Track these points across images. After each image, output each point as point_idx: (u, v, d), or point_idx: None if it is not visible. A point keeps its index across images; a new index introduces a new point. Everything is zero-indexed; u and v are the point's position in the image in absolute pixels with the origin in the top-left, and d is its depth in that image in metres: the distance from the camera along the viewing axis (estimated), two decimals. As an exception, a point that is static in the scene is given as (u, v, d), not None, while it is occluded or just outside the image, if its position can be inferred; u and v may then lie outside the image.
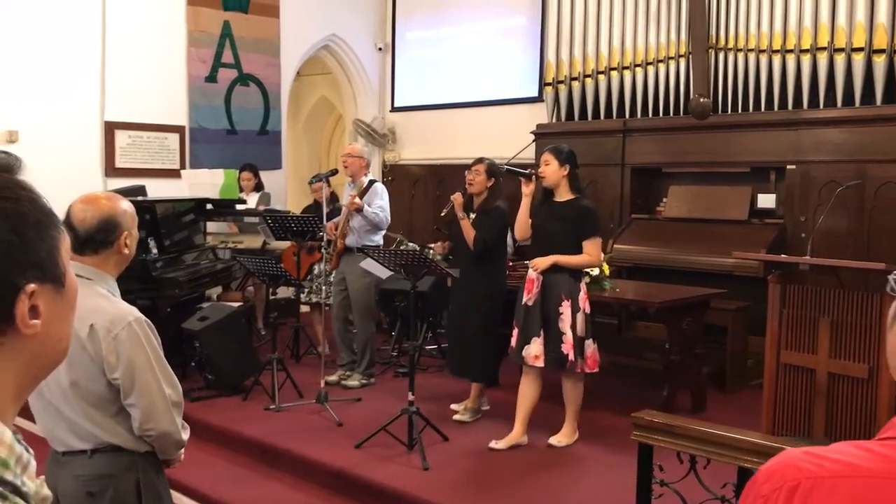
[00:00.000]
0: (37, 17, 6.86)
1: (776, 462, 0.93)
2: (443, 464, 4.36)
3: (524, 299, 4.57)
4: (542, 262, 4.48)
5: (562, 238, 4.48)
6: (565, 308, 4.45)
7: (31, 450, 0.82)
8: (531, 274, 4.56)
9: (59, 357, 0.89)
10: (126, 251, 2.26)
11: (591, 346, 4.54)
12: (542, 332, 4.49)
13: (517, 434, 4.66)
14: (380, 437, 4.59)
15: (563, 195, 4.56)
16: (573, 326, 4.45)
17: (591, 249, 4.49)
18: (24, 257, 0.81)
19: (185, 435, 2.33)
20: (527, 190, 4.61)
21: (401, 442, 4.55)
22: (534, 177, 4.60)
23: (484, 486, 4.13)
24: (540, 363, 4.51)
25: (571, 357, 4.45)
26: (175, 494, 4.22)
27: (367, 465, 4.36)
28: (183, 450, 2.38)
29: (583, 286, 4.57)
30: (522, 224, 4.68)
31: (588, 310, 4.55)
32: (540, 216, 4.63)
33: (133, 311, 2.22)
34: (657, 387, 5.25)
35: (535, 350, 4.50)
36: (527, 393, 4.65)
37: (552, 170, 4.52)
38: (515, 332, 4.63)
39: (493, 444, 4.61)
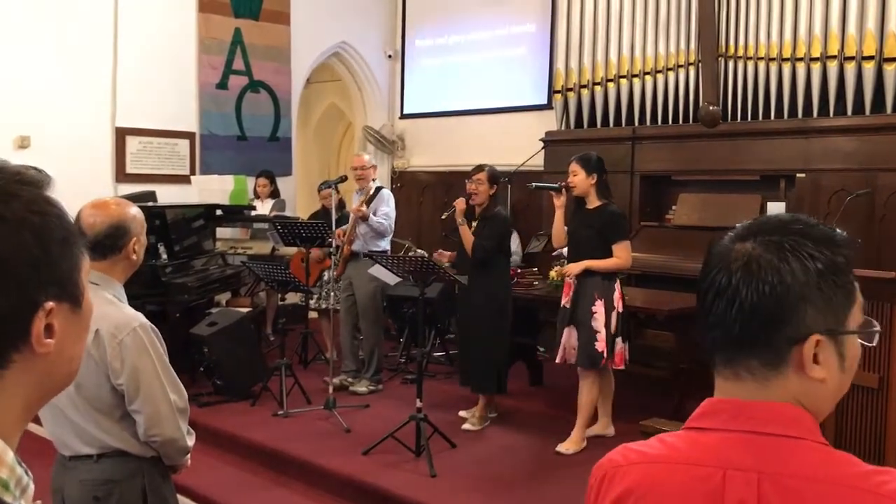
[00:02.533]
0: (48, 24, 6.91)
1: (604, 457, 1.10)
2: (450, 471, 4.35)
3: (563, 302, 4.76)
4: (574, 267, 4.66)
5: (591, 244, 4.64)
6: (598, 307, 4.58)
7: (30, 473, 0.81)
8: (567, 279, 4.75)
9: (69, 379, 0.88)
10: (134, 257, 2.26)
11: (619, 345, 4.67)
12: (575, 331, 4.64)
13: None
14: (387, 443, 4.59)
15: (593, 202, 4.71)
16: (607, 325, 4.58)
17: (621, 253, 4.63)
18: (47, 273, 0.80)
19: (191, 441, 2.33)
20: (558, 202, 4.80)
21: (408, 449, 4.55)
22: (563, 189, 4.76)
23: (491, 494, 4.12)
24: (572, 359, 4.68)
25: (606, 354, 4.57)
26: (183, 500, 4.23)
27: (375, 471, 4.36)
28: (189, 456, 2.38)
29: (617, 286, 4.70)
30: (559, 233, 4.87)
31: (621, 309, 4.68)
32: (573, 224, 4.79)
33: (139, 317, 2.23)
34: (666, 395, 5.24)
35: (571, 344, 4.70)
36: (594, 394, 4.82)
37: (580, 179, 4.66)
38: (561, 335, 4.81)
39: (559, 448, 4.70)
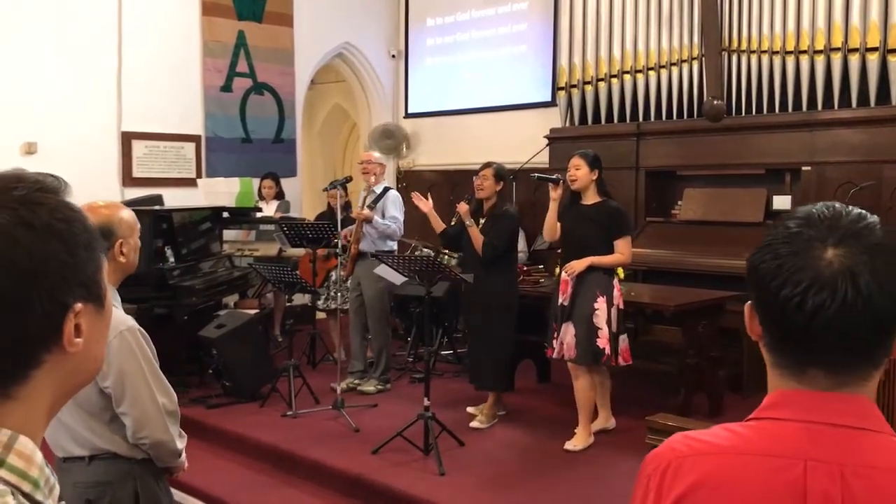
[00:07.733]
0: (54, 29, 6.94)
1: (661, 445, 1.06)
2: (459, 469, 4.36)
3: (560, 300, 4.71)
4: (579, 264, 4.62)
5: (592, 239, 4.64)
6: (601, 304, 4.58)
7: (55, 474, 0.84)
8: (564, 276, 4.69)
9: (91, 377, 0.91)
10: (122, 259, 2.24)
11: (624, 341, 4.69)
12: (575, 328, 4.62)
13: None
14: (396, 442, 4.60)
15: (591, 198, 4.71)
16: (608, 321, 4.57)
17: (624, 248, 4.65)
18: (74, 276, 0.83)
19: (181, 444, 2.33)
20: (555, 195, 4.79)
21: (417, 447, 4.57)
22: (561, 181, 4.76)
23: (500, 492, 4.13)
24: (572, 354, 4.64)
25: (608, 351, 4.57)
26: (192, 500, 4.27)
27: (384, 470, 4.38)
28: (185, 458, 2.38)
29: (616, 282, 4.70)
30: (551, 226, 4.86)
31: (622, 305, 4.68)
32: (569, 219, 4.77)
33: (127, 321, 2.23)
34: (673, 391, 5.23)
35: (568, 341, 4.66)
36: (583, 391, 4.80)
37: (583, 174, 4.68)
38: (555, 333, 4.76)
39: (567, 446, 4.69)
